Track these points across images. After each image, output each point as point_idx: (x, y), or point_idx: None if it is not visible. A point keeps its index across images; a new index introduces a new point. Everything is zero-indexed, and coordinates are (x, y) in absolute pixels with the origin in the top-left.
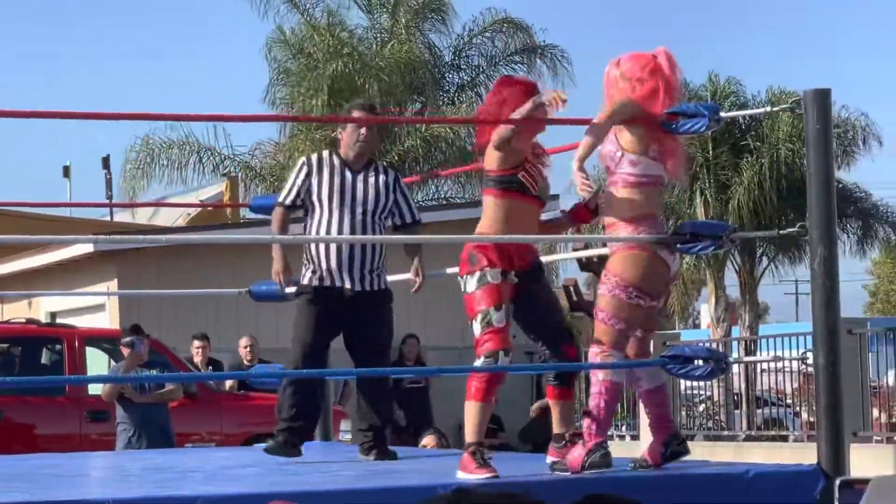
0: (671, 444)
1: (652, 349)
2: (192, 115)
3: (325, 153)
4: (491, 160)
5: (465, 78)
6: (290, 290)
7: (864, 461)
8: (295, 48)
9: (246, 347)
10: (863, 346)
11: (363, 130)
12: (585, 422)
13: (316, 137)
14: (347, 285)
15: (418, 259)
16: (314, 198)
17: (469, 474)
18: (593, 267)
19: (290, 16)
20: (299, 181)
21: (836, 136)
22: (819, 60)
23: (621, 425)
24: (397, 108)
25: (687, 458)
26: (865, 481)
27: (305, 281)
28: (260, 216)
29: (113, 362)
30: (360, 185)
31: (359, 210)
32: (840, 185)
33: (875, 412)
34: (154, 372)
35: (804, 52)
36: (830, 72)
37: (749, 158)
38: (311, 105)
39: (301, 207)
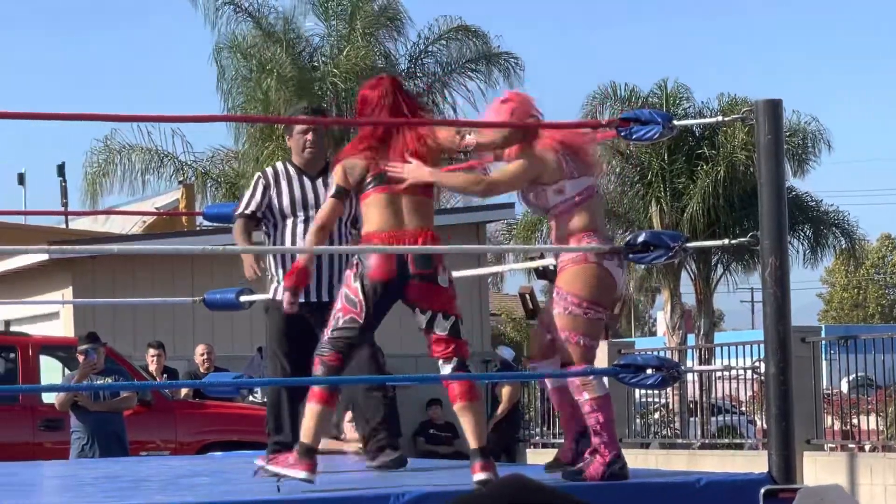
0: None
1: (607, 358)
2: (147, 115)
3: (280, 164)
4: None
5: (420, 86)
6: (245, 298)
7: (817, 469)
8: (249, 55)
9: (202, 356)
10: (816, 355)
11: (308, 136)
12: (594, 440)
13: (269, 149)
14: (313, 298)
15: None
16: (275, 211)
17: (287, 469)
18: (549, 275)
19: (244, 23)
20: (258, 194)
21: (789, 144)
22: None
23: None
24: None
25: (641, 466)
26: (792, 490)
27: (273, 295)
28: (215, 224)
29: (67, 370)
30: (320, 191)
31: None
32: (792, 194)
33: (828, 420)
34: (109, 380)
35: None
36: (776, 74)
37: (704, 166)
38: (266, 112)
39: (261, 220)
